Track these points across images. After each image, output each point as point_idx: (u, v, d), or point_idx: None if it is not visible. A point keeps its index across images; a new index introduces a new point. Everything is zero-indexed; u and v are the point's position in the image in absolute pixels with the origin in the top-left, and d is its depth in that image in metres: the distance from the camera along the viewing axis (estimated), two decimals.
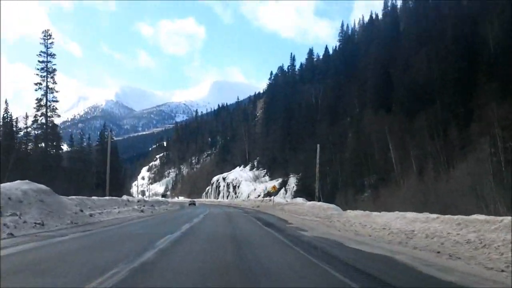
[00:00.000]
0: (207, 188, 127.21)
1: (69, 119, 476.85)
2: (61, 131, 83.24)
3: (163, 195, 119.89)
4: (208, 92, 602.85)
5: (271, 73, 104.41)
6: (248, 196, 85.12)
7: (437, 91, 51.96)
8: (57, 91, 63.43)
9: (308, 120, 74.96)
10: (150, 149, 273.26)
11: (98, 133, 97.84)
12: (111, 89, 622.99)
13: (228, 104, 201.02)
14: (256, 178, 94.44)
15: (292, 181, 73.10)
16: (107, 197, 34.60)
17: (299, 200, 36.07)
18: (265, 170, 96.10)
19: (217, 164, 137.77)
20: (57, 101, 63.29)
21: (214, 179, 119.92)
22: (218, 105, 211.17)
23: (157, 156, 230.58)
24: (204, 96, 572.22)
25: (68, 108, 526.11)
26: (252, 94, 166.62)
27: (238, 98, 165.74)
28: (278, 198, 68.02)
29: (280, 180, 77.73)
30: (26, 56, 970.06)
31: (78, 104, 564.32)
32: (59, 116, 63.75)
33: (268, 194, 77.54)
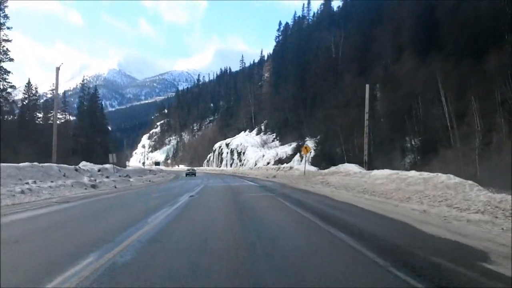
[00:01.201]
0: (209, 156, 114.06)
1: (71, 88, 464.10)
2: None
3: (157, 163, 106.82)
4: (211, 61, 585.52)
5: (280, 23, 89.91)
6: (256, 164, 71.95)
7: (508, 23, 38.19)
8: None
9: (327, 73, 60.99)
10: (152, 117, 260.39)
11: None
12: (113, 59, 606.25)
13: (232, 70, 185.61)
14: (264, 143, 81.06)
15: (309, 145, 59.57)
16: (40, 165, 21.31)
17: (350, 167, 22.63)
18: (274, 134, 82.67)
19: (220, 130, 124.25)
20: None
21: (216, 145, 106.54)
22: (221, 69, 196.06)
23: (158, 124, 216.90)
24: (207, 64, 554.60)
25: (70, 78, 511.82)
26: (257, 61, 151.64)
27: (243, 63, 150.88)
28: (295, 165, 54.83)
29: (293, 144, 64.29)
30: (25, 25, 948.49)
31: (79, 74, 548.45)
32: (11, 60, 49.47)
33: (280, 161, 64.31)
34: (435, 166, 33.00)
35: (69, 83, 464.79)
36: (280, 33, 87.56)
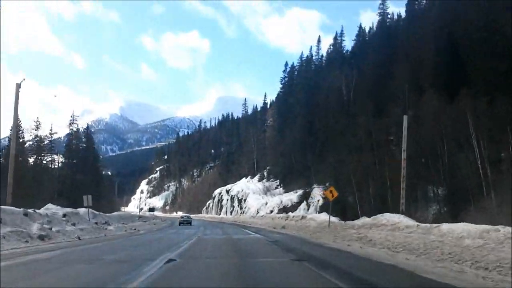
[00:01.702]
0: (208, 202, 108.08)
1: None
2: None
3: (151, 209, 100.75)
4: (213, 107, 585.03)
5: (286, 64, 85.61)
6: (258, 212, 66.18)
7: None
8: None
9: (338, 115, 56.24)
10: (153, 163, 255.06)
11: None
12: (115, 103, 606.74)
13: (234, 116, 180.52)
14: (266, 190, 75.49)
15: (317, 193, 54.20)
16: None
17: (397, 218, 16.95)
18: (278, 181, 77.24)
19: (220, 176, 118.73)
20: None
21: (216, 192, 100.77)
22: (223, 115, 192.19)
23: (157, 169, 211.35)
24: (209, 111, 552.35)
25: (80, 126, 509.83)
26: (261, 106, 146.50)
27: (246, 108, 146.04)
28: (303, 213, 49.12)
29: (299, 192, 58.79)
30: (28, 67, 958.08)
31: (82, 118, 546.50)
32: None
33: (284, 209, 58.59)
34: (466, 218, 27.51)
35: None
36: (286, 75, 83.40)
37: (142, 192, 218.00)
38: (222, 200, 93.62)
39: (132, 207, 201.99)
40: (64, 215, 21.23)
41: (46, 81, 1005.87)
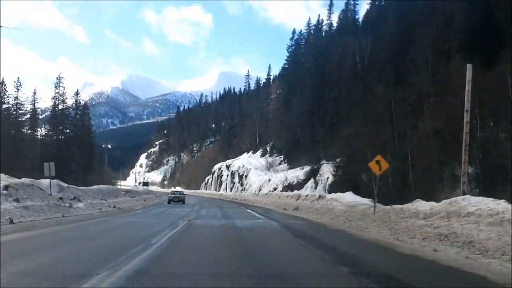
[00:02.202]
0: (207, 178, 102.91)
1: (73, 105, 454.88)
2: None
3: (145, 183, 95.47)
4: (215, 83, 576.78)
5: (294, 31, 79.11)
6: (260, 189, 60.98)
7: None
8: None
9: (352, 85, 50.56)
10: (152, 137, 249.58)
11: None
12: (117, 77, 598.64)
13: (236, 91, 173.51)
14: (269, 166, 70.28)
15: (326, 170, 48.90)
16: None
17: (492, 203, 12.01)
18: (282, 156, 71.97)
19: (221, 151, 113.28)
20: None
21: (216, 167, 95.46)
22: (224, 89, 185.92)
23: (157, 143, 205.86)
24: (211, 87, 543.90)
25: (73, 94, 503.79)
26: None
27: (248, 81, 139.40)
28: (310, 191, 43.91)
29: (306, 168, 53.48)
30: (30, 40, 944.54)
31: (83, 90, 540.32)
32: None
33: (289, 187, 53.42)
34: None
35: (72, 99, 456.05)
36: (293, 43, 77.03)
37: (141, 166, 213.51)
38: (222, 175, 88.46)
39: (130, 181, 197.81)
40: (6, 187, 15.87)
41: (47, 54, 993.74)
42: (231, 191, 77.82)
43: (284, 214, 23.36)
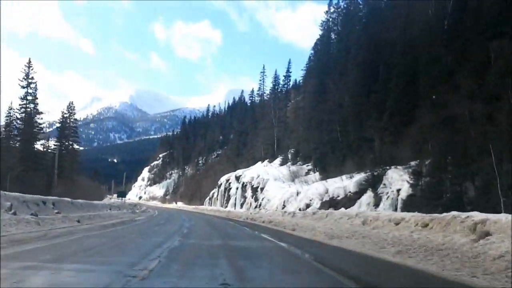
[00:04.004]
0: (212, 192, 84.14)
1: (81, 119, 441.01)
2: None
3: (121, 194, 77.45)
4: (223, 100, 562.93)
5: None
6: (284, 205, 42.72)
7: None
8: None
9: (430, 55, 32.50)
10: (157, 151, 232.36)
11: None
12: (125, 92, 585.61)
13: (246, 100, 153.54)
14: (294, 177, 52.00)
15: (397, 178, 30.55)
16: None
17: None
18: (310, 164, 53.78)
19: (228, 161, 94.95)
20: None
21: (223, 179, 76.88)
22: (234, 98, 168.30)
23: (160, 155, 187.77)
24: (219, 104, 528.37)
25: (81, 108, 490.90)
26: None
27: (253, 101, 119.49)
28: (363, 208, 25.57)
29: (358, 176, 35.07)
30: (37, 51, 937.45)
31: (91, 105, 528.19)
32: None
33: (332, 202, 35.29)
34: None
35: (79, 113, 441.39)
36: (329, 17, 58.49)
37: (143, 180, 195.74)
38: (231, 188, 69.82)
39: (131, 195, 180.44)
40: None
41: (54, 66, 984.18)
42: (241, 207, 59.42)
43: None
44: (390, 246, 10.43)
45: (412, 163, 29.99)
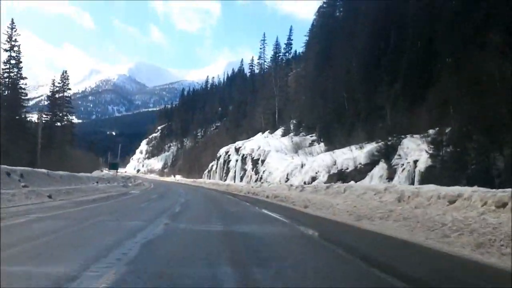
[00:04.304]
0: (211, 164, 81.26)
1: (80, 92, 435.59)
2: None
3: (113, 165, 74.42)
4: (222, 73, 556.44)
5: None
6: (287, 178, 39.79)
7: None
8: None
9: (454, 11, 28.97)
10: (156, 124, 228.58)
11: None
12: (124, 65, 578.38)
13: (246, 72, 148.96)
14: (297, 148, 48.93)
15: (411, 148, 27.47)
16: None
17: None
18: (314, 134, 50.65)
19: (228, 132, 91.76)
20: None
21: (222, 150, 73.90)
22: (233, 69, 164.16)
23: (159, 128, 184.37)
24: (218, 76, 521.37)
25: (79, 80, 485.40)
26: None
27: (253, 72, 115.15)
28: (375, 181, 22.53)
29: (369, 147, 31.97)
30: (35, 24, 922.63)
31: (90, 78, 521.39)
32: None
33: (341, 174, 32.38)
34: None
35: (78, 86, 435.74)
36: None
37: (141, 152, 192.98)
38: (230, 161, 66.82)
39: (129, 168, 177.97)
40: None
41: (53, 40, 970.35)
42: (241, 180, 56.55)
43: None
44: (456, 234, 7.36)
45: (431, 131, 26.79)
